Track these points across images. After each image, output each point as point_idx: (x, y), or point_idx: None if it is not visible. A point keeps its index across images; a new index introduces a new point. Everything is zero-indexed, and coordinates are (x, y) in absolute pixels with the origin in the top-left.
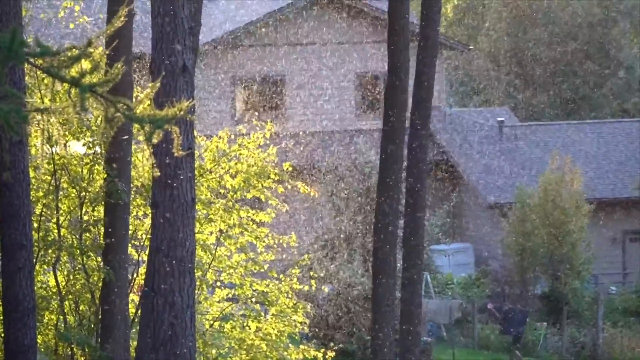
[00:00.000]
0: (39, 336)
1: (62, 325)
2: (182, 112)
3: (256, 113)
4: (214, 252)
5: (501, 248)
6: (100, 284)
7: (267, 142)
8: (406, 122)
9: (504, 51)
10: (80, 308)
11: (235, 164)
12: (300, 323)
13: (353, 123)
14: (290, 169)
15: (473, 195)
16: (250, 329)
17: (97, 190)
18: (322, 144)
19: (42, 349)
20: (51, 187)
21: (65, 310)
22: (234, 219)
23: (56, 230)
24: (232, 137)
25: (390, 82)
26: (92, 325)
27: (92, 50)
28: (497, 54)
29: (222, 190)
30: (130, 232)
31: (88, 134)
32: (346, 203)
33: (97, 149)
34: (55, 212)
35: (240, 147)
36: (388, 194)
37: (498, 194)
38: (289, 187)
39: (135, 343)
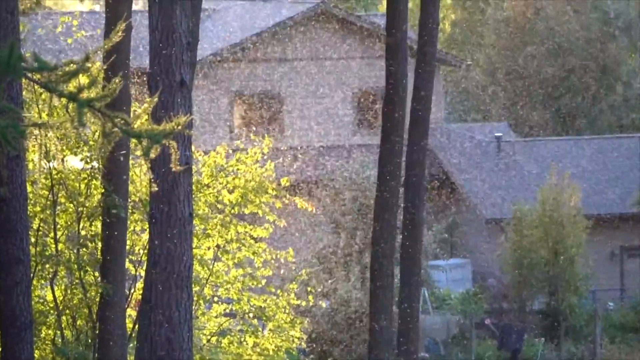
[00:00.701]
0: (36, 351)
1: (60, 340)
2: (179, 127)
3: (254, 128)
4: (211, 267)
5: (499, 264)
6: (97, 299)
7: (265, 157)
8: (404, 137)
9: (502, 66)
10: (78, 323)
11: (233, 179)
12: (298, 338)
13: (351, 138)
14: (288, 184)
15: (471, 211)
16: (247, 344)
17: (94, 205)
18: (320, 159)
19: None
20: (48, 202)
21: (63, 325)
22: (231, 234)
23: (54, 245)
24: (230, 152)
25: (388, 97)
26: (90, 340)
27: (89, 65)
28: (495, 70)
29: (219, 206)
30: (127, 247)
31: (85, 148)
32: (344, 218)
33: (95, 163)
34: (52, 226)
35: (238, 162)
36: (386, 210)
37: (496, 209)
38: (287, 202)
39: (132, 358)
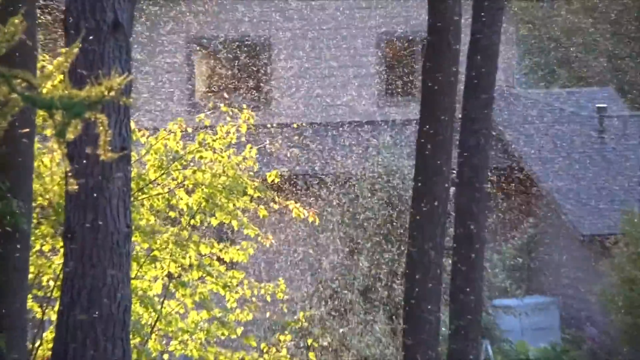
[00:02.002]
0: None
1: None
2: (112, 93)
3: (226, 95)
4: (159, 307)
5: (602, 303)
6: None
7: (243, 139)
8: (456, 110)
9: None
10: None
11: (194, 172)
12: None
13: (373, 111)
14: (278, 180)
15: (558, 223)
16: None
17: None
18: (326, 143)
19: None
20: None
21: None
22: (190, 258)
23: None
24: (189, 131)
25: (432, 48)
26: None
27: None
28: (596, 4)
29: (172, 214)
30: (31, 276)
31: None
32: (363, 234)
33: None
34: None
35: (201, 146)
36: (426, 221)
37: (597, 220)
38: (276, 207)
39: None
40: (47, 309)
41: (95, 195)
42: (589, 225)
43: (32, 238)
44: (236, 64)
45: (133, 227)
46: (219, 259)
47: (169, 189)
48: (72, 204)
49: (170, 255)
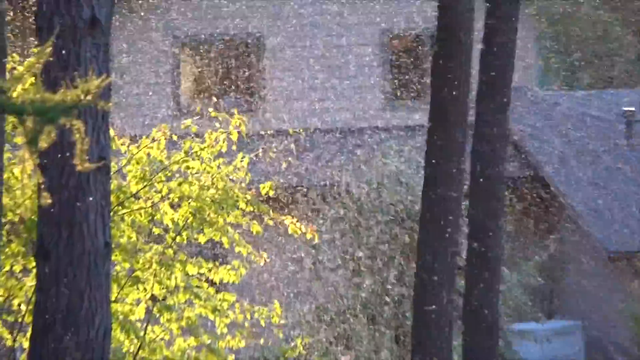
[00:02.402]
0: None
1: None
2: (89, 96)
3: (215, 99)
4: (142, 334)
5: (630, 327)
6: None
7: (234, 147)
8: (468, 113)
9: None
10: None
11: (179, 184)
12: None
13: (377, 116)
14: (272, 192)
15: (582, 239)
16: None
17: None
18: (326, 152)
19: None
20: None
21: None
22: (176, 279)
23: None
24: (175, 139)
25: (442, 45)
26: None
27: None
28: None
29: (156, 230)
30: (0, 299)
31: None
32: (367, 251)
33: None
34: None
35: (188, 155)
36: (437, 237)
37: (624, 237)
38: (270, 223)
39: None
40: (18, 335)
41: (70, 209)
42: (616, 242)
43: (2, 257)
44: (226, 64)
45: (113, 245)
46: (207, 280)
47: (153, 202)
48: (45, 220)
49: (154, 276)
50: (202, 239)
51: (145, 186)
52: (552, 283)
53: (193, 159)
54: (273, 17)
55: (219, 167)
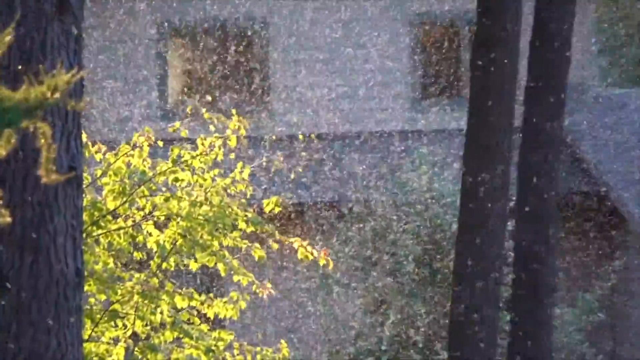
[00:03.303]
0: None
1: None
2: (57, 94)
3: (208, 98)
4: None
5: None
6: None
7: (233, 155)
8: (514, 114)
9: None
10: None
11: (166, 199)
12: None
13: (404, 118)
14: (279, 209)
15: None
16: None
17: None
18: (342, 161)
19: None
20: None
21: None
22: (162, 314)
23: None
24: (161, 145)
25: (483, 35)
26: None
27: None
28: None
29: (138, 254)
30: None
31: None
32: (391, 279)
33: None
34: None
35: (177, 165)
36: (476, 265)
37: None
38: (276, 247)
39: None
40: None
41: (35, 230)
42: None
43: None
44: (223, 56)
45: (86, 273)
46: (200, 315)
47: (134, 221)
48: (4, 243)
49: (136, 310)
50: (193, 266)
51: (124, 202)
52: (614, 320)
53: (183, 170)
54: (278, 3)
55: (214, 179)
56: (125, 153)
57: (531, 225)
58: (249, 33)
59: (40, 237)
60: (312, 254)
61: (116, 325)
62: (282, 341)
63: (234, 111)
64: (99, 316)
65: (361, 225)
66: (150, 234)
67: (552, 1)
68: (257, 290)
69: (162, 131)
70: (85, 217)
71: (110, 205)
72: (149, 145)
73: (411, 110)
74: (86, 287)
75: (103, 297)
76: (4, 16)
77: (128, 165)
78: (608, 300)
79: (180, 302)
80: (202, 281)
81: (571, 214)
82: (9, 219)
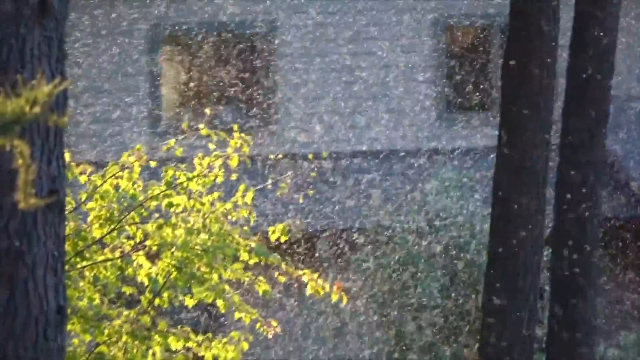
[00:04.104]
0: None
1: None
2: (37, 108)
3: (208, 112)
4: None
5: None
6: None
7: (234, 176)
8: (551, 129)
9: None
10: None
11: (159, 227)
12: None
13: (427, 135)
14: (286, 237)
15: None
16: None
17: None
18: (358, 182)
19: None
20: None
21: None
22: (154, 356)
23: None
24: (153, 165)
25: (517, 39)
26: None
27: None
28: None
29: (128, 289)
30: None
31: None
32: (413, 317)
33: None
34: None
35: (171, 188)
36: (508, 300)
37: None
38: (283, 280)
39: None
40: None
41: (11, 262)
42: None
43: None
44: (224, 65)
45: (69, 310)
46: (197, 358)
47: (123, 252)
48: None
49: (125, 353)
50: (189, 302)
51: (112, 230)
52: None
53: (178, 193)
54: (287, 5)
55: (213, 203)
56: (114, 175)
57: (570, 255)
58: (254, 40)
59: (18, 270)
60: (323, 288)
61: None
62: None
63: (235, 127)
64: (83, 358)
65: (379, 255)
66: (141, 266)
67: (594, 3)
68: (262, 329)
69: (154, 150)
70: (68, 247)
71: (97, 234)
72: (140, 165)
73: (436, 126)
74: (69, 326)
75: (88, 338)
76: None
77: (116, 188)
78: None
79: (175, 343)
80: (199, 319)
81: (615, 242)
82: None
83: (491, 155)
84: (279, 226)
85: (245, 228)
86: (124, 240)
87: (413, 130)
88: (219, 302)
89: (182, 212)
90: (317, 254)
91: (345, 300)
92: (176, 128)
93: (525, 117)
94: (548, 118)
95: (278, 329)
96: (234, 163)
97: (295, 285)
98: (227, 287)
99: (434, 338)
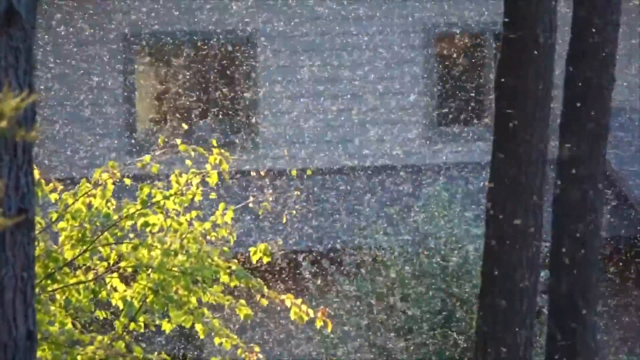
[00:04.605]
0: None
1: None
2: (4, 122)
3: (185, 127)
4: None
5: None
6: None
7: (213, 195)
8: (548, 143)
9: None
10: None
11: (134, 248)
12: None
13: (416, 150)
14: (268, 258)
15: None
16: None
17: None
18: (343, 200)
19: None
20: None
21: None
22: None
23: None
24: (128, 183)
25: (511, 49)
26: None
27: None
28: None
29: (101, 314)
30: None
31: None
32: (403, 344)
33: None
34: None
35: (147, 206)
36: (503, 327)
37: None
38: (265, 303)
39: None
40: None
41: None
42: None
43: None
44: (203, 76)
45: (39, 336)
46: None
47: (96, 274)
48: None
49: None
50: (166, 327)
51: (84, 251)
52: None
53: (154, 212)
54: (270, 8)
55: (190, 223)
56: (86, 193)
57: (569, 277)
58: (234, 49)
59: None
60: (307, 313)
61: None
62: None
63: (214, 142)
64: None
65: (367, 277)
66: (115, 289)
67: (594, 8)
68: (243, 355)
69: (129, 167)
70: (38, 268)
71: (68, 255)
72: (114, 183)
73: (426, 141)
74: (39, 353)
75: None
76: None
77: (89, 207)
78: None
79: None
80: (177, 344)
81: (616, 262)
82: None
83: (484, 171)
84: (261, 246)
85: (226, 249)
86: (97, 262)
87: (401, 144)
88: (198, 327)
89: (158, 232)
90: (300, 275)
91: (330, 326)
92: (152, 143)
93: (520, 131)
94: (545, 131)
95: (261, 356)
96: (213, 180)
97: (279, 308)
98: (206, 311)
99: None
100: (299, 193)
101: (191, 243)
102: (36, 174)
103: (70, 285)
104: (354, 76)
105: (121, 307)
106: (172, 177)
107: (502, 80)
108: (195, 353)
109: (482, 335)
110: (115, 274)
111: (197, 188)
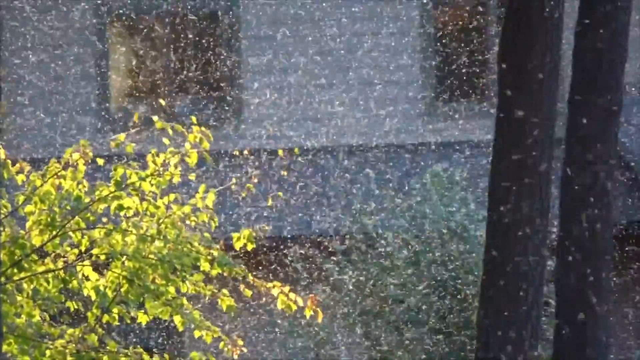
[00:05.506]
0: None
1: None
2: None
3: (163, 103)
4: None
5: None
6: None
7: (193, 176)
8: (555, 124)
9: None
10: None
11: (107, 234)
12: None
13: (413, 128)
14: (252, 245)
15: None
16: None
17: None
18: (334, 182)
19: None
20: None
21: None
22: None
23: None
24: (101, 163)
25: (514, 23)
26: None
27: None
28: None
29: (72, 305)
30: None
31: None
32: (397, 335)
33: None
34: None
35: (121, 189)
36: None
37: None
38: (249, 294)
39: None
40: None
41: None
42: None
43: None
44: (181, 49)
45: (4, 329)
46: None
47: (66, 262)
48: None
49: None
50: (142, 319)
51: (54, 237)
52: None
53: (129, 195)
54: None
55: (169, 206)
56: (55, 174)
57: (578, 265)
58: (215, 21)
59: None
60: (295, 302)
61: None
62: None
63: (194, 119)
64: None
65: (359, 264)
66: (87, 278)
67: None
68: (226, 349)
69: (102, 146)
70: (3, 256)
71: (36, 241)
72: (86, 163)
73: (423, 119)
74: (5, 347)
75: (27, 359)
76: None
77: (59, 189)
78: None
79: None
80: (154, 337)
81: (630, 250)
82: None
83: (487, 150)
84: (245, 232)
85: (207, 234)
86: (68, 249)
87: (397, 122)
88: (177, 319)
89: (133, 216)
90: (288, 263)
91: (320, 316)
92: (127, 121)
93: (525, 108)
94: (552, 108)
95: (245, 349)
96: (192, 160)
97: (265, 299)
98: (185, 301)
99: (421, 358)
100: (285, 173)
101: (169, 228)
102: (1, 153)
103: (38, 274)
104: (345, 48)
105: (93, 297)
106: (149, 157)
107: (506, 53)
108: (174, 347)
109: (484, 327)
110: (87, 262)
111: (176, 169)
